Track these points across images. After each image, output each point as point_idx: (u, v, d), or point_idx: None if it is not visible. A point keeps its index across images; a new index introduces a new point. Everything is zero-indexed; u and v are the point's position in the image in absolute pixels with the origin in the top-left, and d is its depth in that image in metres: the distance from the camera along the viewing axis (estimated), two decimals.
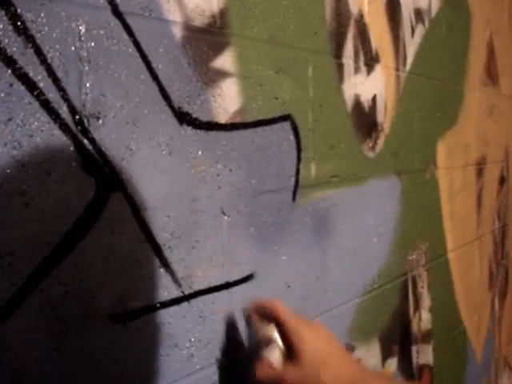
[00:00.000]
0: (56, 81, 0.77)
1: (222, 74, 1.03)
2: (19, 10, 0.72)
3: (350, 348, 1.45)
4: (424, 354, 1.87)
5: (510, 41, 2.81)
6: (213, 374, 1.03)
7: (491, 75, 2.52)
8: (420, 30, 1.81)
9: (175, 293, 0.95)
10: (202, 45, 0.99)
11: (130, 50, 0.87)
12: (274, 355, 0.93)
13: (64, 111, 0.78)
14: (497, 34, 2.57)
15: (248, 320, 1.01)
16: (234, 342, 1.05)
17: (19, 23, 0.72)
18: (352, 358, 1.01)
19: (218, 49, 1.03)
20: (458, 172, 2.10)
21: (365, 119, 1.48)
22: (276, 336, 0.94)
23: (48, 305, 0.77)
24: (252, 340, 0.99)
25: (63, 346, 0.79)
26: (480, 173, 2.36)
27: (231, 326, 1.05)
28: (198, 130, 0.98)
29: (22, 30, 0.73)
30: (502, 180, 2.70)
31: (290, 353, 0.92)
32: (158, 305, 0.92)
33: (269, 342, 0.95)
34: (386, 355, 1.62)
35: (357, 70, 1.43)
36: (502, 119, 2.69)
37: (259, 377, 0.92)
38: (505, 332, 2.81)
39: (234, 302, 1.07)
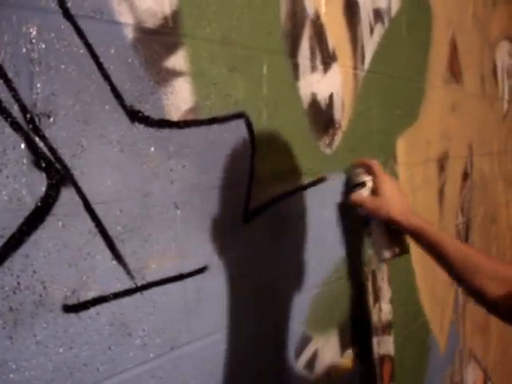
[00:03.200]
0: (7, 81, 0.81)
1: (174, 74, 1.07)
2: None
3: (308, 338, 1.50)
4: (385, 345, 1.92)
5: (474, 39, 2.87)
6: (166, 362, 1.07)
7: (454, 73, 2.57)
8: (379, 30, 1.85)
9: (128, 284, 0.99)
10: (154, 45, 1.03)
11: (82, 51, 0.91)
12: (365, 192, 1.53)
13: (15, 110, 0.82)
14: (460, 32, 2.62)
15: (353, 168, 1.58)
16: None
17: None
18: (409, 203, 1.52)
19: (171, 49, 1.07)
20: (419, 167, 2.16)
21: (321, 117, 1.52)
22: (369, 181, 1.53)
23: (1, 295, 0.81)
24: (352, 181, 1.56)
25: (16, 334, 0.83)
26: (442, 168, 2.42)
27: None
28: (150, 128, 1.02)
29: None
30: (466, 176, 2.76)
31: (375, 193, 1.51)
32: (110, 296, 0.96)
33: (364, 183, 1.53)
34: (344, 346, 1.67)
35: (313, 68, 1.48)
36: (466, 116, 2.75)
37: (353, 199, 1.54)
38: (470, 324, 2.87)
39: (188, 293, 1.11)
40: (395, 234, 1.50)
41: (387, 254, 1.53)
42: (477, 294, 1.35)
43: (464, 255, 1.36)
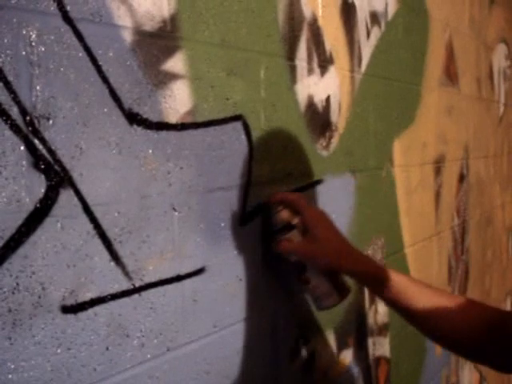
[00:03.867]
0: (7, 84, 0.81)
1: (172, 77, 1.08)
2: None
3: (304, 341, 1.51)
4: (381, 346, 1.93)
5: (470, 42, 2.88)
6: (164, 363, 1.08)
7: (451, 75, 2.59)
8: (376, 33, 1.87)
9: (126, 285, 1.00)
10: (152, 48, 1.04)
11: (80, 54, 0.91)
12: (294, 235, 1.29)
13: (15, 113, 0.82)
14: (457, 35, 2.64)
15: (274, 207, 1.32)
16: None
17: None
18: (347, 242, 1.34)
19: (169, 52, 1.07)
20: (416, 170, 2.17)
21: (318, 119, 1.53)
22: (296, 221, 1.30)
23: None
24: (276, 223, 1.31)
25: (15, 335, 0.83)
26: (438, 171, 2.43)
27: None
28: (149, 130, 1.03)
29: None
30: (462, 178, 2.77)
31: (306, 234, 1.29)
32: (108, 297, 0.97)
33: (291, 226, 1.30)
34: (341, 347, 1.68)
35: (310, 71, 1.49)
36: (462, 118, 2.76)
37: (282, 247, 1.30)
38: None
39: (185, 295, 1.12)
40: (335, 277, 1.33)
41: (329, 302, 1.34)
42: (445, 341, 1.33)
43: (423, 298, 1.29)
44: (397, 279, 1.29)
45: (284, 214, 1.31)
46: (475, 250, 3.02)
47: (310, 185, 1.50)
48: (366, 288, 1.40)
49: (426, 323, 1.30)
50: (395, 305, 1.32)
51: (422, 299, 1.28)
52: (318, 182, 1.54)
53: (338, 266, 1.30)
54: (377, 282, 1.30)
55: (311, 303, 1.42)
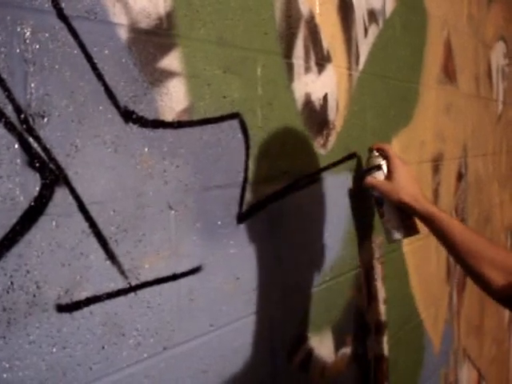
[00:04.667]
0: (1, 81, 0.81)
1: (168, 74, 1.07)
2: None
3: (304, 337, 1.50)
4: (379, 345, 1.93)
5: (469, 40, 2.88)
6: (160, 362, 1.07)
7: (449, 73, 2.58)
8: (374, 30, 1.86)
9: (122, 284, 1.00)
10: (148, 46, 1.03)
11: (75, 51, 0.91)
12: (380, 175, 1.62)
13: (9, 110, 0.82)
14: (455, 33, 2.63)
15: (370, 151, 1.66)
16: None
17: None
18: (420, 188, 1.60)
19: (165, 50, 1.07)
20: (413, 168, 2.16)
21: (316, 117, 1.53)
22: (384, 165, 1.62)
23: None
24: (368, 163, 1.66)
25: (10, 334, 0.83)
26: (437, 169, 2.43)
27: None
28: (144, 128, 1.03)
29: None
30: (460, 177, 2.77)
31: (389, 177, 1.60)
32: (104, 295, 0.96)
33: (379, 167, 1.62)
34: (339, 346, 1.67)
35: (307, 69, 1.48)
36: (460, 116, 2.76)
37: (367, 182, 1.64)
38: (464, 324, 2.88)
39: (182, 293, 1.11)
40: (406, 216, 1.60)
41: (398, 235, 1.65)
42: (480, 281, 1.40)
43: (470, 241, 1.42)
44: (456, 229, 1.46)
45: (375, 157, 1.63)
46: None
47: (307, 183, 1.50)
48: (426, 226, 1.56)
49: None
50: (446, 244, 1.50)
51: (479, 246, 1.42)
52: (316, 180, 1.54)
53: (407, 203, 1.55)
54: (434, 225, 1.51)
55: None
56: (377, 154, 1.64)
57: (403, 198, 1.55)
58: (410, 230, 1.63)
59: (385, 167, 1.61)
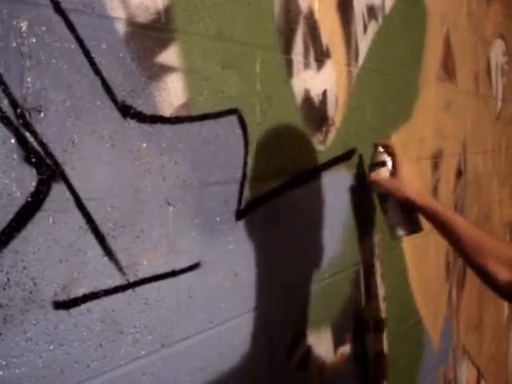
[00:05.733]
0: None
1: (166, 69, 1.06)
2: None
3: (302, 335, 1.50)
4: (378, 342, 1.92)
5: (468, 37, 2.87)
6: (158, 359, 1.06)
7: (448, 70, 2.57)
8: (373, 27, 1.85)
9: (119, 280, 0.99)
10: (146, 41, 1.02)
11: (73, 45, 0.90)
12: (384, 171, 1.61)
13: (5, 105, 0.81)
14: (454, 29, 2.63)
15: (375, 147, 1.66)
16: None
17: None
18: (424, 187, 1.65)
19: (163, 44, 1.06)
20: (417, 166, 2.16)
21: (315, 113, 1.52)
22: (389, 161, 1.61)
23: None
24: (373, 159, 1.65)
25: (6, 331, 0.82)
26: (436, 166, 2.42)
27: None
28: (142, 124, 1.02)
29: None
30: (460, 173, 2.76)
31: (394, 174, 1.59)
32: (101, 292, 0.96)
33: (384, 163, 1.62)
34: (337, 343, 1.67)
35: (306, 65, 1.47)
36: (460, 113, 2.75)
37: (372, 178, 1.64)
38: (463, 321, 2.87)
39: (180, 290, 1.11)
40: (410, 213, 1.61)
41: (401, 232, 1.65)
42: (486, 276, 1.39)
43: (475, 236, 1.42)
44: (460, 225, 1.46)
45: (380, 154, 1.64)
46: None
47: (306, 180, 1.49)
48: (429, 222, 1.57)
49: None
50: (451, 243, 1.51)
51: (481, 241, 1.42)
52: (315, 176, 1.53)
53: (412, 200, 1.55)
54: (437, 220, 1.51)
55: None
56: (382, 150, 1.64)
57: (408, 195, 1.55)
58: (414, 227, 1.64)
59: (389, 164, 1.62)
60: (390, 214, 1.64)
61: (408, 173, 1.59)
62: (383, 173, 1.62)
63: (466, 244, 1.42)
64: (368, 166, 1.68)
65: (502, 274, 1.33)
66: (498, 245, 1.41)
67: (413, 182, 1.58)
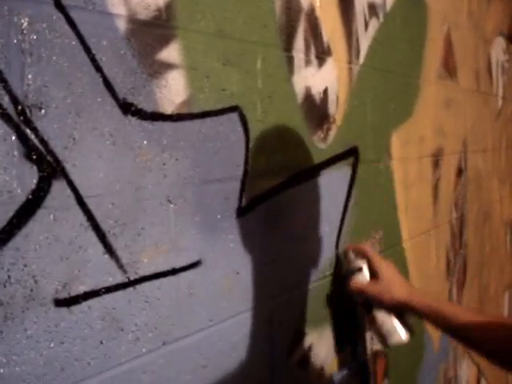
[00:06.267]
0: None
1: (167, 66, 1.06)
2: None
3: (302, 334, 1.50)
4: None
5: (469, 35, 2.87)
6: (159, 357, 1.06)
7: (449, 68, 2.57)
8: (374, 24, 1.85)
9: (120, 278, 0.98)
10: (147, 38, 1.02)
11: (73, 42, 0.90)
12: (363, 277, 1.50)
13: (6, 102, 0.80)
14: (455, 28, 2.62)
15: (345, 254, 1.58)
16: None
17: None
18: (410, 284, 1.57)
19: (164, 42, 1.06)
20: (413, 163, 2.15)
21: (316, 111, 1.52)
22: (365, 265, 1.52)
23: None
24: (348, 267, 1.55)
25: (7, 328, 0.82)
26: (436, 164, 2.42)
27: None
28: (143, 121, 1.01)
29: None
30: (460, 172, 2.76)
31: (373, 277, 1.49)
32: (102, 290, 0.95)
33: (360, 269, 1.51)
34: (338, 341, 1.66)
35: (308, 62, 1.47)
36: (460, 112, 2.75)
37: (353, 287, 1.51)
38: None
39: (181, 288, 1.10)
40: (399, 316, 1.49)
41: (396, 339, 1.50)
42: (494, 356, 1.36)
43: (478, 322, 1.33)
44: (457, 312, 1.37)
45: (354, 260, 1.54)
46: (473, 244, 3.01)
47: (307, 177, 1.49)
48: (427, 322, 1.49)
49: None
50: (454, 335, 1.43)
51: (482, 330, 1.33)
52: (316, 174, 1.53)
53: (404, 303, 1.43)
54: (438, 317, 1.39)
55: (374, 340, 1.64)
56: (353, 256, 1.55)
57: (397, 297, 1.44)
58: (410, 328, 1.52)
59: (365, 268, 1.52)
60: (379, 322, 1.50)
61: (388, 273, 1.49)
62: (362, 279, 1.51)
63: (469, 331, 1.34)
64: (343, 275, 1.58)
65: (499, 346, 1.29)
66: (504, 322, 1.35)
67: (396, 282, 1.47)
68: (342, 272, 1.59)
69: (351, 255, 1.56)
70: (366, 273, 1.51)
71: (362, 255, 1.54)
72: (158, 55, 1.04)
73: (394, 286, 1.45)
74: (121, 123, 0.98)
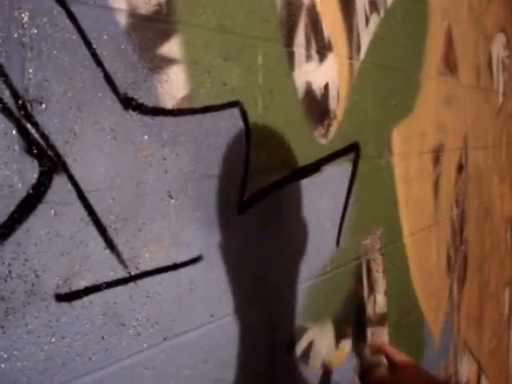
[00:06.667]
0: None
1: (168, 61, 1.06)
2: None
3: (303, 329, 1.49)
4: (379, 337, 1.92)
5: (470, 31, 2.86)
6: (160, 352, 1.06)
7: (449, 64, 2.57)
8: (375, 20, 1.84)
9: (121, 273, 0.98)
10: (147, 32, 1.02)
11: (74, 36, 0.89)
12: (381, 370, 1.55)
13: (6, 96, 0.80)
14: (456, 24, 2.62)
15: (361, 352, 1.71)
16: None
17: None
18: (423, 369, 1.55)
19: (165, 36, 1.05)
20: (414, 159, 2.15)
21: (317, 106, 1.51)
22: (384, 361, 1.56)
23: None
24: (366, 363, 1.63)
25: (8, 323, 0.81)
26: (437, 160, 2.41)
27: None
28: (144, 116, 1.01)
29: None
30: (461, 168, 2.76)
31: (392, 370, 1.51)
32: (103, 285, 0.95)
33: (378, 363, 1.57)
34: (339, 336, 1.66)
35: (308, 58, 1.47)
36: (461, 108, 2.74)
37: (372, 380, 1.55)
38: (464, 317, 2.87)
39: (182, 283, 1.10)
40: None
41: None
42: None
43: None
44: None
45: (370, 357, 1.63)
46: (474, 241, 3.01)
47: (308, 173, 1.48)
48: None
49: None
50: None
51: None
52: (317, 170, 1.52)
53: None
54: None
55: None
56: (369, 353, 1.65)
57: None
58: None
59: (384, 362, 1.57)
60: None
61: (408, 365, 1.52)
62: (382, 373, 1.55)
63: None
64: (363, 371, 1.63)
65: None
66: None
67: (417, 373, 1.49)
68: (363, 367, 1.65)
69: (366, 352, 1.67)
70: (383, 365, 1.57)
71: (378, 350, 1.61)
72: (158, 50, 1.04)
73: (416, 377, 1.48)
74: (121, 118, 0.97)
